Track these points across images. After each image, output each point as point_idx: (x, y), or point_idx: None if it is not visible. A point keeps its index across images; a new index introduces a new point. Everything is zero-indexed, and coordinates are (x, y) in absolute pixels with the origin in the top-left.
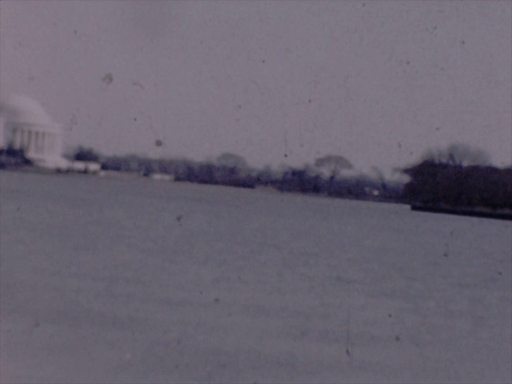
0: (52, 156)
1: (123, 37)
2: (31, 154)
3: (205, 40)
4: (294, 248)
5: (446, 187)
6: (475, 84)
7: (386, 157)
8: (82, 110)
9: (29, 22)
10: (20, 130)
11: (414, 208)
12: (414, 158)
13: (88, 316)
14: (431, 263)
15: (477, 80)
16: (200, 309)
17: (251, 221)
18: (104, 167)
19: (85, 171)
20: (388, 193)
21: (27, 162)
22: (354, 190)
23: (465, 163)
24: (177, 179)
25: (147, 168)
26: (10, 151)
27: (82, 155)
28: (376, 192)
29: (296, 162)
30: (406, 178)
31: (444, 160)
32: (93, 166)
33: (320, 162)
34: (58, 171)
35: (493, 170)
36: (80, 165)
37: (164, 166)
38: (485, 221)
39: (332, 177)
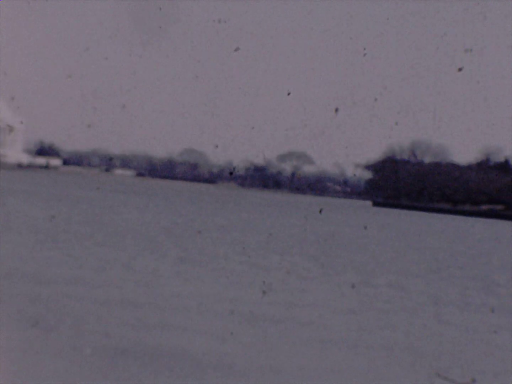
0: (13, 151)
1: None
2: None
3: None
4: (250, 243)
5: (407, 183)
6: (437, 80)
7: (348, 153)
8: (46, 105)
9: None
10: None
11: (376, 204)
12: (376, 155)
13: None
14: (387, 258)
15: (439, 77)
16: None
17: (213, 216)
18: (65, 162)
19: (46, 166)
20: (350, 189)
21: None
22: (316, 186)
23: (427, 160)
24: (139, 174)
25: (108, 163)
26: None
27: (43, 150)
28: (337, 188)
29: (258, 158)
30: (367, 174)
31: (405, 157)
32: (55, 161)
33: (282, 158)
34: (20, 166)
35: (454, 166)
36: (41, 160)
37: (125, 162)
38: (446, 217)
39: (293, 173)
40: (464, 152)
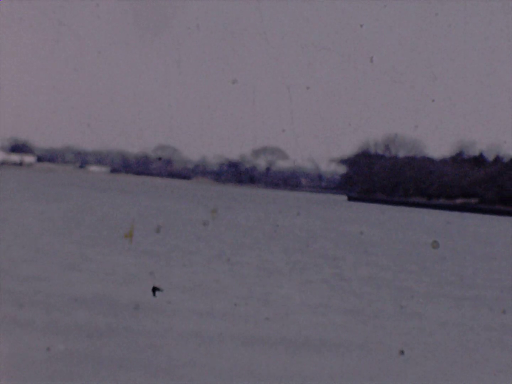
0: None
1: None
2: None
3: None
4: (225, 240)
5: (382, 178)
6: (412, 75)
7: (323, 148)
8: (21, 101)
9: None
10: None
11: (350, 198)
12: (350, 149)
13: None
14: (360, 252)
15: (412, 73)
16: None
17: (188, 212)
18: (40, 159)
19: (20, 164)
20: (324, 184)
21: None
22: (290, 181)
23: (401, 154)
24: (113, 170)
25: (83, 160)
26: None
27: (17, 147)
28: (311, 183)
29: (232, 153)
30: (342, 169)
31: (380, 151)
32: (29, 158)
33: (256, 153)
34: None
35: (428, 160)
36: (15, 158)
37: (100, 158)
38: (421, 211)
39: (268, 168)
40: (438, 146)
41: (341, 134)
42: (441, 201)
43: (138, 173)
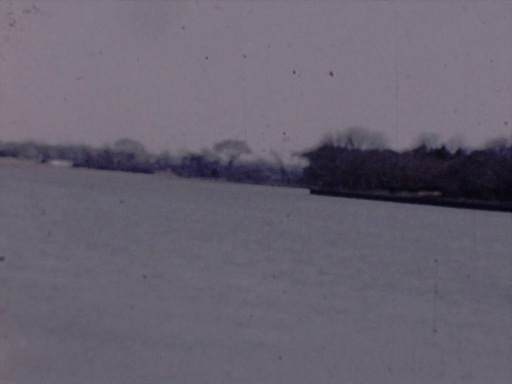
0: None
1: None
2: None
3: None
4: (189, 232)
5: (345, 171)
6: (375, 68)
7: (285, 142)
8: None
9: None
10: None
11: (313, 192)
12: (313, 143)
13: None
14: (325, 245)
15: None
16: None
17: (150, 206)
18: (1, 153)
19: None
20: (287, 178)
21: None
22: (253, 175)
23: (364, 147)
24: (76, 165)
25: (45, 154)
26: None
27: None
28: (272, 176)
29: (195, 147)
30: (305, 162)
31: (342, 144)
32: None
33: (219, 147)
34: None
35: (391, 153)
36: None
37: (62, 153)
38: (384, 204)
39: (230, 162)
40: (401, 140)
41: (304, 127)
42: (404, 194)
43: (101, 167)
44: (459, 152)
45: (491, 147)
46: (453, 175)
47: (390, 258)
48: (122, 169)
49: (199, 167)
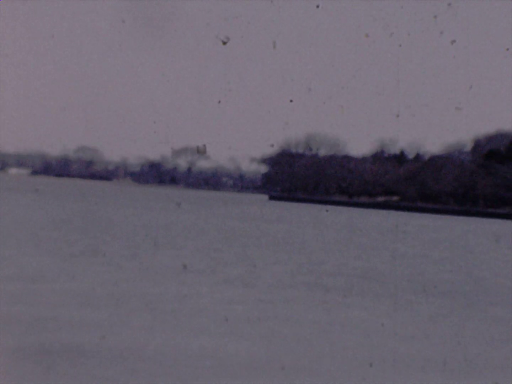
0: None
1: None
2: None
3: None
4: (142, 239)
5: (303, 177)
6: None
7: (243, 148)
8: None
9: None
10: None
11: (272, 198)
12: (271, 148)
13: None
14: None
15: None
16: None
17: (105, 213)
18: None
19: None
20: (246, 184)
21: None
22: (211, 181)
23: (322, 152)
24: (34, 172)
25: (3, 162)
26: None
27: None
28: (231, 182)
29: (153, 154)
30: (263, 168)
31: (301, 150)
32: None
33: (177, 153)
34: None
35: (349, 158)
36: None
37: (20, 160)
38: (342, 209)
39: (189, 169)
40: (359, 145)
41: (262, 133)
42: (363, 199)
43: (59, 174)
44: (418, 156)
45: (449, 152)
46: (411, 179)
47: (346, 263)
48: (81, 176)
49: (157, 174)
